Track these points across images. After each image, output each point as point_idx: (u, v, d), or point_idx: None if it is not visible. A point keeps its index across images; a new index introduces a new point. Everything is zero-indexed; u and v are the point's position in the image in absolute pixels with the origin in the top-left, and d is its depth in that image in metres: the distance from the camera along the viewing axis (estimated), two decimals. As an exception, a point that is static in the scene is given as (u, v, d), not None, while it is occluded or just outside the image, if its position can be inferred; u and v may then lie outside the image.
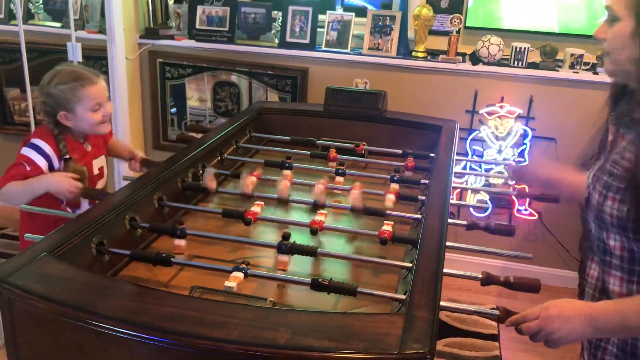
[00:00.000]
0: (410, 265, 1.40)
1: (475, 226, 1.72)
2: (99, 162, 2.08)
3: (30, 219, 1.94)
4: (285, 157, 2.10)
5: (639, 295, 1.20)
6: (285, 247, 1.46)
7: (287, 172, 2.03)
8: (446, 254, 1.41)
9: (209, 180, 1.82)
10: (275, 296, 1.34)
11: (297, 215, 1.79)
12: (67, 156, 1.90)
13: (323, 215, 1.64)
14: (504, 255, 1.66)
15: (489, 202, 3.13)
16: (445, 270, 1.34)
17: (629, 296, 1.23)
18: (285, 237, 1.48)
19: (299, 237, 1.52)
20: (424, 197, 1.81)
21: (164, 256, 1.39)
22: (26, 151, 1.88)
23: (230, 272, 1.32)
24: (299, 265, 1.53)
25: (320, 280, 1.31)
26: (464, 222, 1.75)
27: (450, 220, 1.82)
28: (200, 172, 1.97)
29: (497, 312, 1.28)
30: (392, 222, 1.60)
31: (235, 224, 1.71)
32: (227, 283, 1.28)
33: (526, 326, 1.23)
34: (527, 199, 3.14)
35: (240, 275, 1.30)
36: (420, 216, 1.68)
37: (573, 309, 1.20)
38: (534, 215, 3.17)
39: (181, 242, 1.53)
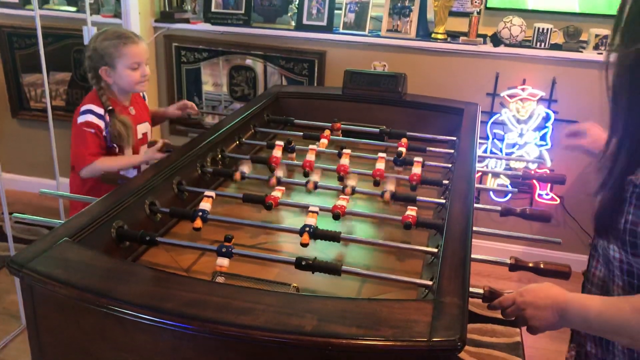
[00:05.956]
0: (436, 250, 1.37)
1: (510, 212, 1.67)
2: (143, 128, 2.21)
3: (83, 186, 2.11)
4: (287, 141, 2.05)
5: (610, 302, 1.11)
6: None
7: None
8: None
9: (246, 166, 1.83)
10: (298, 281, 1.32)
11: (319, 200, 1.76)
12: (110, 108, 2.04)
13: (345, 200, 1.61)
14: (532, 240, 1.62)
15: (509, 186, 3.08)
16: (473, 255, 1.31)
17: None
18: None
19: (322, 222, 1.49)
20: (447, 182, 1.77)
21: (150, 235, 1.41)
22: (82, 117, 2.03)
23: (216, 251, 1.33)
24: (322, 251, 1.50)
25: (303, 259, 1.29)
26: (498, 208, 1.70)
27: (480, 206, 1.78)
28: (219, 156, 1.95)
29: (482, 292, 1.24)
30: (416, 207, 1.56)
31: (256, 209, 1.69)
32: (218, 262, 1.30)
33: (505, 313, 1.23)
34: (549, 184, 3.09)
35: (226, 262, 1.30)
36: (444, 201, 1.64)
37: (547, 297, 1.16)
38: (556, 200, 3.11)
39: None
